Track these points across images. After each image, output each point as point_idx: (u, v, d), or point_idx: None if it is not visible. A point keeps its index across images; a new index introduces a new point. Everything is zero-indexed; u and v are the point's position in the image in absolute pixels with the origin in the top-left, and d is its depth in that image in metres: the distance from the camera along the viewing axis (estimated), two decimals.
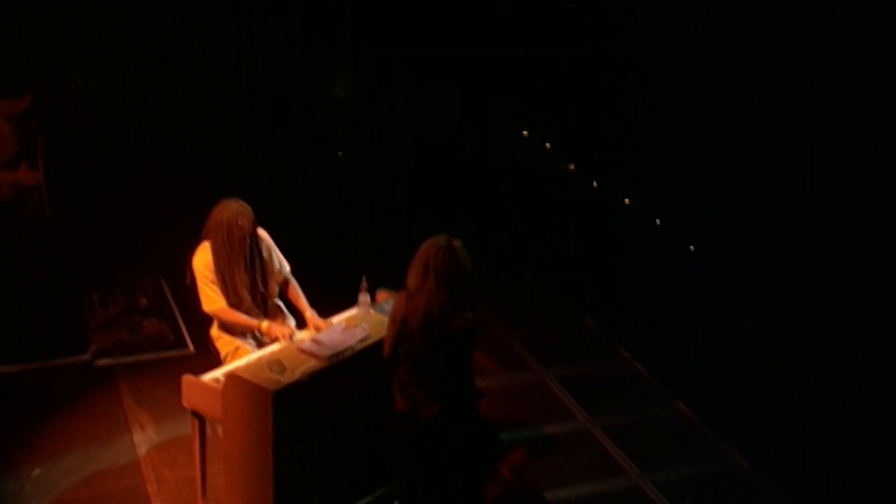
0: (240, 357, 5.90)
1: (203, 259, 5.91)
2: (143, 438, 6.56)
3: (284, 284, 6.20)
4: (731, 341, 7.78)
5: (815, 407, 6.90)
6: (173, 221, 8.85)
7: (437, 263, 5.08)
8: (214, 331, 6.16)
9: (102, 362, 7.38)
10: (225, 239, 5.84)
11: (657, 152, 9.09)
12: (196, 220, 8.44)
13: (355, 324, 5.84)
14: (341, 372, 5.54)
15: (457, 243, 5.16)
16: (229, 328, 6.06)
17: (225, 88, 10.77)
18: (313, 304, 6.18)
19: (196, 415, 5.61)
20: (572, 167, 11.73)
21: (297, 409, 5.32)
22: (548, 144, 12.37)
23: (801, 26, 7.04)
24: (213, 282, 5.89)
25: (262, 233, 6.05)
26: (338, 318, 6.03)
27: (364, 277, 5.93)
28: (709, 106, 8.12)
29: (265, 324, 5.93)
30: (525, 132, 12.81)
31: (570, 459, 6.66)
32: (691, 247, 9.42)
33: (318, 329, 5.95)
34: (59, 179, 8.82)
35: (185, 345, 7.64)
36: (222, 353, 6.09)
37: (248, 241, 5.86)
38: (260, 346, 5.96)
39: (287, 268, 6.16)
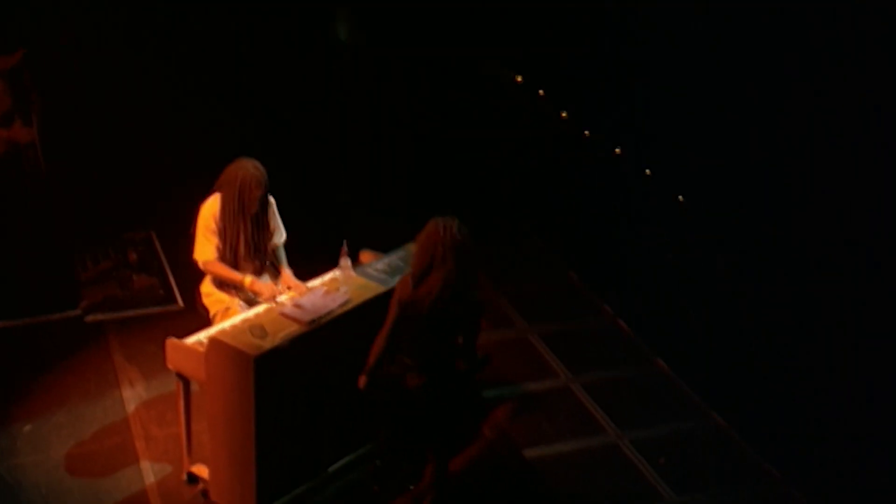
0: (230, 317, 6.01)
1: (212, 209, 5.99)
2: (133, 395, 6.69)
3: (275, 249, 6.29)
4: (713, 300, 7.87)
5: (794, 368, 7.02)
6: (167, 178, 8.97)
7: (456, 244, 5.15)
8: (206, 287, 6.24)
9: (93, 318, 7.49)
10: (235, 196, 5.91)
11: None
12: (190, 176, 8.50)
13: (336, 287, 5.93)
14: (322, 336, 5.64)
15: (459, 223, 5.24)
16: (220, 284, 6.16)
17: (224, 49, 10.73)
18: (298, 264, 6.29)
19: (181, 376, 5.73)
20: (565, 115, 11.74)
21: (279, 374, 5.43)
22: (541, 91, 12.35)
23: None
24: (213, 233, 5.97)
25: (269, 198, 6.13)
26: (319, 281, 6.12)
27: (345, 242, 6.01)
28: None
29: (248, 279, 6.02)
30: (519, 77, 12.77)
31: (551, 417, 6.79)
32: (680, 197, 9.48)
33: (290, 288, 6.05)
34: (53, 136, 8.85)
35: (174, 300, 7.76)
36: (212, 312, 6.19)
37: (258, 203, 5.94)
38: (251, 306, 6.05)
39: (283, 238, 6.25)
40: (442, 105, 11.20)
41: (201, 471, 5.87)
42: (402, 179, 9.78)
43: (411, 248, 6.45)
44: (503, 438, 6.55)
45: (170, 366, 5.75)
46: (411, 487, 5.71)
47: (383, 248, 6.48)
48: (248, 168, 5.89)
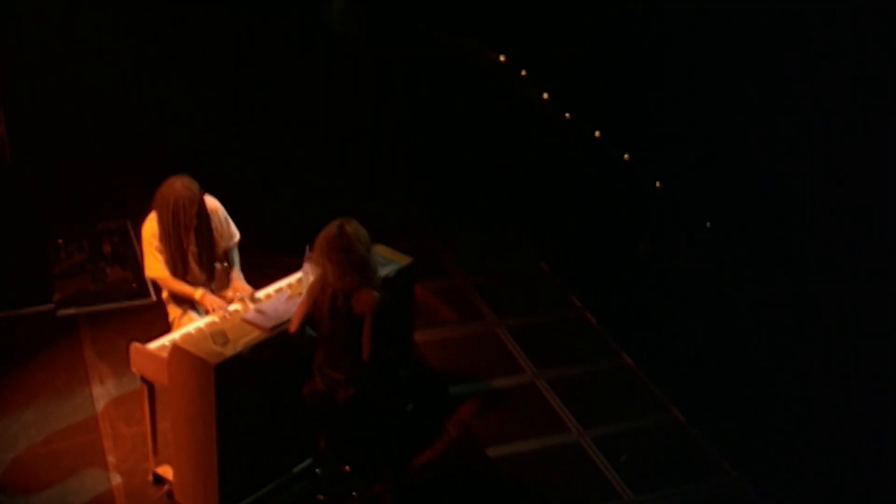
0: (187, 322, 6.11)
1: (151, 228, 6.08)
2: (102, 392, 6.77)
3: (228, 251, 6.37)
4: (681, 295, 7.93)
5: (756, 366, 7.10)
6: (145, 165, 8.96)
7: (330, 251, 5.27)
8: (165, 294, 6.35)
9: (65, 312, 7.54)
10: (170, 219, 5.97)
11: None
12: (170, 162, 8.46)
13: (299, 292, 6.00)
14: (285, 340, 5.71)
15: (350, 226, 5.31)
16: (175, 298, 6.24)
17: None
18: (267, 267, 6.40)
19: (145, 380, 5.81)
20: (546, 95, 11.72)
21: (240, 381, 5.51)
22: (524, 72, 12.33)
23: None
24: (158, 251, 6.06)
25: (212, 204, 6.18)
26: (282, 283, 6.20)
27: (308, 247, 6.06)
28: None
29: (199, 292, 6.10)
30: (502, 57, 12.74)
31: (515, 415, 6.88)
32: (657, 183, 9.50)
33: (237, 291, 6.14)
34: (29, 127, 8.86)
35: (147, 294, 7.80)
36: (171, 317, 6.31)
37: (194, 220, 6.01)
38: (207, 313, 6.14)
39: (236, 239, 6.32)
40: (426, 91, 11.20)
41: (167, 472, 5.97)
42: (383, 168, 9.78)
43: (376, 248, 6.54)
44: (467, 436, 6.64)
45: (134, 370, 5.84)
46: (354, 494, 5.81)
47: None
48: (178, 189, 5.92)
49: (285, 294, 6.02)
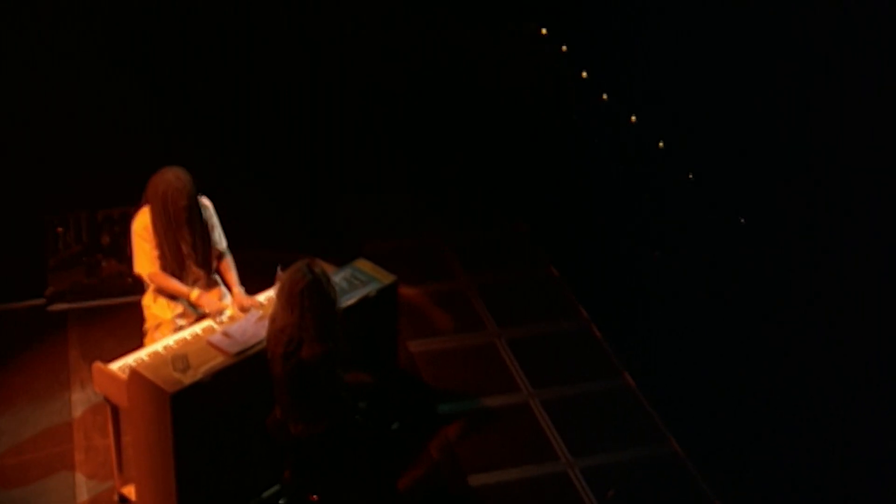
0: (160, 336, 5.94)
1: (143, 221, 5.89)
2: (81, 398, 6.62)
3: (219, 258, 6.15)
4: (690, 316, 7.52)
5: (758, 401, 6.70)
6: (151, 150, 8.77)
7: (304, 299, 5.03)
8: (146, 299, 6.18)
9: (56, 307, 7.41)
10: (161, 211, 5.80)
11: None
12: (177, 148, 8.24)
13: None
14: (251, 365, 5.48)
15: (318, 269, 5.08)
16: (167, 295, 6.04)
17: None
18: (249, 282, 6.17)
19: (108, 400, 5.65)
20: (585, 74, 11.30)
21: (198, 409, 5.31)
22: (564, 47, 11.91)
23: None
24: (150, 244, 5.87)
25: (204, 201, 5.99)
26: (261, 297, 6.00)
27: (279, 267, 5.80)
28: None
29: (195, 293, 5.91)
30: (544, 30, 12.33)
31: (504, 439, 6.59)
32: (690, 175, 9.09)
33: (242, 307, 5.93)
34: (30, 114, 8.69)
35: (142, 290, 7.59)
36: (146, 325, 6.14)
37: (186, 212, 5.79)
38: (199, 319, 5.94)
39: (224, 243, 6.12)
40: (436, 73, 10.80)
41: (132, 492, 5.81)
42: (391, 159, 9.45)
43: (360, 264, 6.29)
44: (450, 460, 6.38)
45: (97, 389, 5.71)
46: None
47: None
48: (170, 179, 5.74)
49: (255, 315, 5.77)
